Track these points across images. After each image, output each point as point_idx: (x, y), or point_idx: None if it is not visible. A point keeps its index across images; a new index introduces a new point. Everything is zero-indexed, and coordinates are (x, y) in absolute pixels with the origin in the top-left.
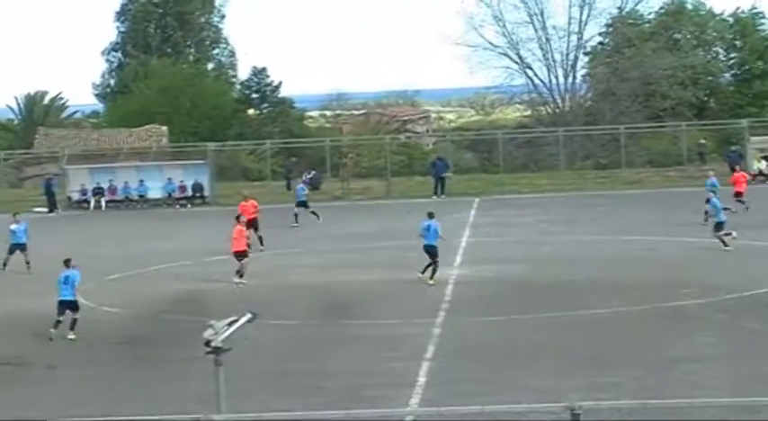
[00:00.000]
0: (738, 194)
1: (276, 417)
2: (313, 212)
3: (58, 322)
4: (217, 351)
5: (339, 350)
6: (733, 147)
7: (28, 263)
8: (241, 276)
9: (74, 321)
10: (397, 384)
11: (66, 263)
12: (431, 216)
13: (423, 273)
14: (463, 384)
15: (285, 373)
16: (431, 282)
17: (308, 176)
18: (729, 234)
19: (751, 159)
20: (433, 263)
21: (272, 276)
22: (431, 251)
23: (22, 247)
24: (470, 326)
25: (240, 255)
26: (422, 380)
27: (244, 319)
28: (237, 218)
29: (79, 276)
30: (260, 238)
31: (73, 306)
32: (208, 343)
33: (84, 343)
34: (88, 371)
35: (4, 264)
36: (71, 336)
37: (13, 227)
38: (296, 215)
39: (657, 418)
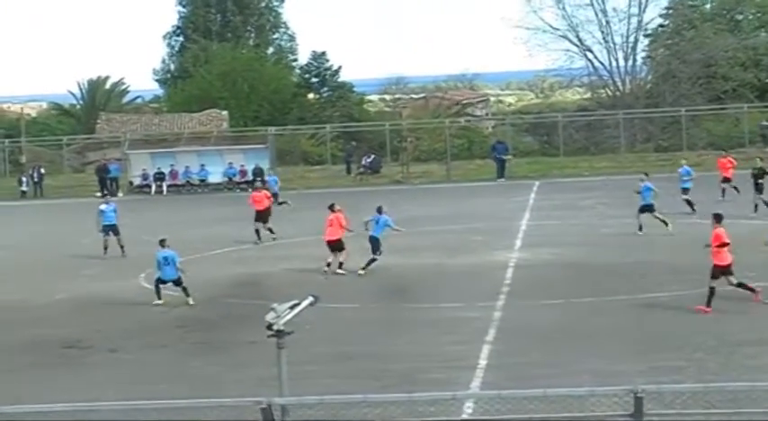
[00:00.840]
0: (726, 180)
1: (338, 400)
2: (282, 202)
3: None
4: (279, 334)
5: (400, 333)
6: None
7: (122, 246)
8: (340, 266)
9: (185, 289)
10: (457, 367)
11: (162, 242)
12: (379, 211)
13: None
14: (524, 367)
15: (346, 357)
16: (361, 272)
17: (368, 160)
18: (661, 220)
19: None
20: (373, 255)
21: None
22: (374, 243)
23: (114, 229)
24: (530, 310)
25: (333, 244)
26: (482, 363)
27: (306, 303)
28: (331, 206)
29: (177, 255)
30: (269, 229)
31: (178, 281)
32: (270, 326)
33: (145, 327)
34: (149, 355)
35: (105, 248)
36: (191, 302)
37: (103, 207)
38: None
39: (720, 401)
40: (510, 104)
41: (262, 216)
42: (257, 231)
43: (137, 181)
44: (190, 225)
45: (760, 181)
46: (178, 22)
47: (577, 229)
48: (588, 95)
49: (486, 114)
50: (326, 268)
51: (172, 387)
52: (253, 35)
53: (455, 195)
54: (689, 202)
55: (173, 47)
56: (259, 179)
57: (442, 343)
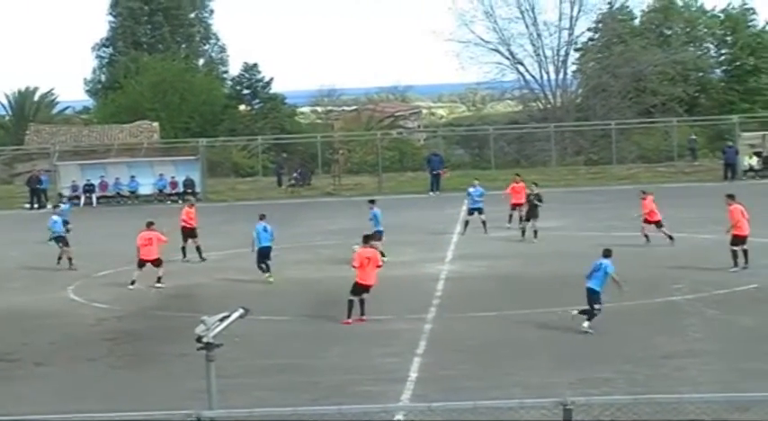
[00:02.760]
0: (517, 206)
1: (268, 413)
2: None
3: (266, 268)
4: (208, 347)
5: (330, 346)
6: (729, 143)
7: (70, 259)
8: (159, 280)
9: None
10: (388, 380)
11: (262, 217)
12: (262, 218)
13: (266, 273)
14: (454, 380)
15: (276, 369)
16: (270, 279)
17: (296, 173)
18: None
19: (742, 155)
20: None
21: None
22: (268, 253)
23: (63, 240)
24: (461, 322)
25: (153, 263)
26: (413, 375)
27: (235, 315)
28: (149, 224)
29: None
30: (198, 248)
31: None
32: (199, 339)
33: (73, 340)
34: (77, 368)
35: (59, 258)
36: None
37: (55, 217)
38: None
39: (648, 413)
40: (442, 117)
41: (191, 233)
42: (183, 249)
43: (66, 192)
44: (119, 237)
45: (536, 205)
46: (108, 32)
47: (509, 242)
48: (519, 108)
49: (418, 126)
50: (131, 286)
51: (100, 400)
52: (183, 46)
53: (386, 207)
54: (483, 222)
55: (102, 58)
56: (190, 191)
57: (373, 355)
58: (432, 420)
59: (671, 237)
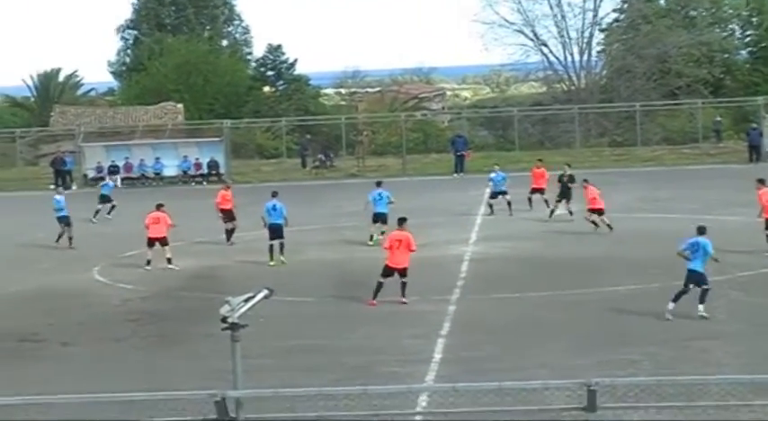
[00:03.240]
0: (538, 190)
1: (292, 393)
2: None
3: (272, 247)
4: (233, 327)
5: (355, 327)
6: (753, 125)
7: (71, 238)
8: (169, 261)
9: (281, 245)
10: (412, 361)
11: (274, 194)
12: (274, 195)
13: (272, 259)
14: (478, 361)
15: (301, 350)
16: (283, 259)
17: (320, 157)
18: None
19: (766, 137)
20: (281, 242)
21: (289, 253)
22: (278, 230)
23: (66, 221)
24: (486, 304)
25: (160, 240)
26: (437, 356)
27: (260, 296)
28: (159, 206)
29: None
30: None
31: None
32: (224, 319)
33: (98, 320)
34: (102, 348)
35: (59, 237)
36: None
37: (58, 197)
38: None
39: (672, 395)
40: (466, 98)
41: (229, 215)
42: (227, 231)
43: (91, 174)
44: (144, 218)
45: (569, 187)
46: (132, 14)
47: (532, 224)
48: (544, 90)
49: (442, 108)
50: (147, 266)
51: (126, 380)
52: (207, 28)
53: (411, 189)
54: (509, 203)
55: (126, 40)
56: (214, 172)
57: (397, 337)
58: (456, 401)
59: (610, 227)
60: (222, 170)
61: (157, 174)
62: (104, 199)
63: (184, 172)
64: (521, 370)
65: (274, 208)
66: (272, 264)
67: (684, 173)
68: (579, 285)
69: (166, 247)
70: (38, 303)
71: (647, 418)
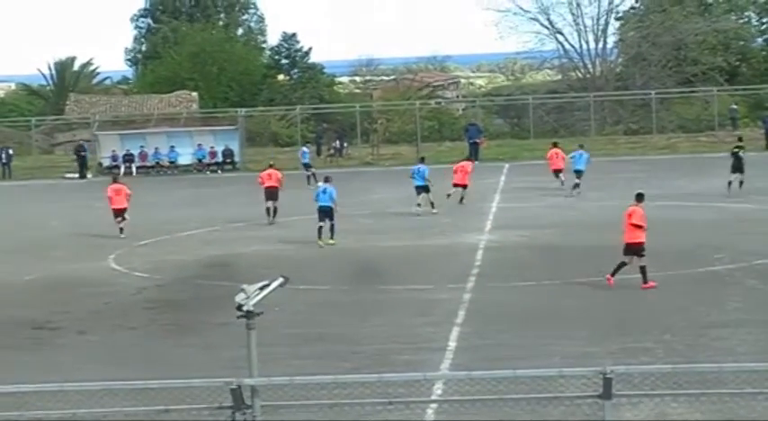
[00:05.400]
0: (557, 171)
1: (308, 381)
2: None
3: (321, 228)
4: (248, 315)
5: (370, 315)
6: None
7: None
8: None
9: (332, 227)
10: (427, 349)
11: (327, 179)
12: (327, 180)
13: (320, 238)
14: (493, 349)
15: (316, 338)
16: (332, 241)
17: (334, 145)
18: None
19: None
20: (331, 224)
21: (304, 241)
22: (328, 212)
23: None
24: (501, 292)
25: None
26: (452, 344)
27: (275, 284)
28: (115, 178)
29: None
30: (274, 209)
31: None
32: (239, 307)
33: (114, 308)
34: (118, 337)
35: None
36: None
37: None
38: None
39: (688, 383)
40: (480, 87)
41: (272, 194)
42: (268, 210)
43: (106, 162)
44: (159, 206)
45: (740, 155)
46: (146, 2)
47: (547, 212)
48: (559, 78)
49: (457, 96)
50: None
51: (141, 369)
52: (222, 16)
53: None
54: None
55: (141, 28)
56: (229, 161)
57: (413, 325)
58: (471, 389)
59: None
60: (237, 158)
61: (172, 162)
62: None
63: (199, 160)
64: (536, 357)
65: (324, 191)
66: (320, 244)
67: (700, 160)
68: (594, 273)
69: (125, 219)
70: (53, 292)
71: (663, 406)
